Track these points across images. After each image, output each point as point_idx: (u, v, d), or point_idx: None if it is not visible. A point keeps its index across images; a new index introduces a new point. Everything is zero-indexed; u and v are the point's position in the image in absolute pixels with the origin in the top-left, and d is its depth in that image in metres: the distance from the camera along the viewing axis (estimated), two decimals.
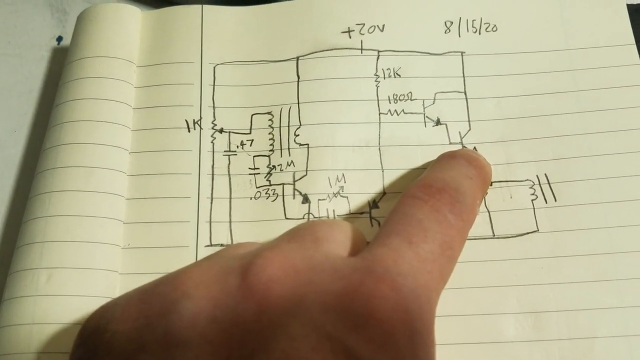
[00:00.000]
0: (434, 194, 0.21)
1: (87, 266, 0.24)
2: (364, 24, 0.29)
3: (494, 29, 0.28)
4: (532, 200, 0.25)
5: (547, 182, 0.25)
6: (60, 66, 0.32)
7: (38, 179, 0.26)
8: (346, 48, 0.28)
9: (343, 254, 0.19)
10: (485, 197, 0.25)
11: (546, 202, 0.25)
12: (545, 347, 0.23)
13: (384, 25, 0.29)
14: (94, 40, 0.29)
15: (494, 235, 0.25)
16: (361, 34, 0.28)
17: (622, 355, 0.22)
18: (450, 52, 0.28)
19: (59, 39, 0.33)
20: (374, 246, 0.19)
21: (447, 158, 0.24)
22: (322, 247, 0.19)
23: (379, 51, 0.28)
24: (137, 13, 0.30)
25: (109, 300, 0.23)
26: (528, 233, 0.25)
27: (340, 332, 0.16)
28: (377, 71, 0.28)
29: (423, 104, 0.27)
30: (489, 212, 0.25)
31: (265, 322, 0.16)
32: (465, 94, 0.27)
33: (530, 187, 0.25)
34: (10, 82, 0.32)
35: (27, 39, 0.33)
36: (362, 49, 0.28)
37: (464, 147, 0.26)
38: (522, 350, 0.23)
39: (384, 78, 0.28)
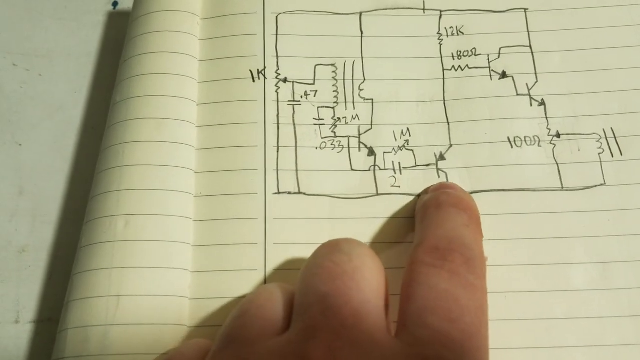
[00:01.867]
0: (445, 257, 0.20)
1: (162, 213, 0.25)
2: None
3: None
4: (599, 153, 0.26)
5: (613, 136, 0.26)
6: (117, 30, 0.32)
7: (110, 132, 0.27)
8: (409, 8, 0.28)
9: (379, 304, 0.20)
10: (554, 150, 0.26)
11: (612, 156, 0.25)
12: (614, 295, 0.23)
13: None
14: None
15: (562, 187, 0.25)
16: None
17: None
18: (514, 9, 0.28)
19: (115, 3, 0.34)
20: (412, 326, 0.19)
21: (434, 209, 0.23)
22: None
23: (441, 11, 0.28)
24: None
25: (183, 245, 0.24)
26: (595, 186, 0.25)
27: None
28: (439, 30, 0.28)
29: (488, 59, 0.27)
30: (557, 164, 0.25)
31: None
32: (530, 47, 0.27)
33: (597, 141, 0.26)
34: (68, 45, 0.32)
35: (83, 3, 0.33)
36: (424, 9, 0.28)
37: (531, 98, 0.26)
38: (591, 298, 0.23)
39: (447, 36, 0.28)
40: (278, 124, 0.27)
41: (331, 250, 0.21)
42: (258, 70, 0.28)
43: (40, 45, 0.32)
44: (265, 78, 0.27)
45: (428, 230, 0.22)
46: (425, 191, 0.25)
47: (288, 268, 0.25)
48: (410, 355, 0.18)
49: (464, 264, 0.20)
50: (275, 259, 0.25)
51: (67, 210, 0.29)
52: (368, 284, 0.20)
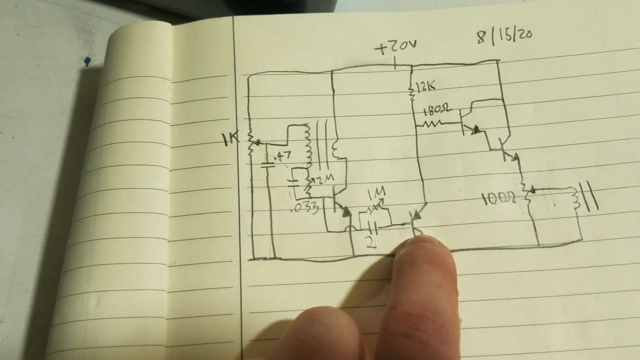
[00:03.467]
0: (417, 326, 0.20)
1: (135, 287, 0.25)
2: (395, 41, 0.29)
3: (529, 34, 0.29)
4: (575, 208, 0.26)
5: (589, 189, 0.26)
6: (90, 87, 0.33)
7: (81, 203, 0.27)
8: (379, 64, 0.29)
9: None
10: (529, 205, 0.26)
11: (589, 210, 0.26)
12: (594, 355, 0.24)
13: (415, 41, 0.29)
14: (127, 61, 0.29)
15: (538, 244, 0.25)
16: (393, 50, 0.29)
17: None
18: (485, 60, 0.29)
19: (87, 60, 0.34)
20: None
21: (408, 266, 0.23)
22: None
23: (412, 66, 0.29)
24: (168, 29, 0.30)
25: (158, 320, 0.24)
26: (572, 242, 0.25)
27: None
28: (411, 85, 0.29)
29: (460, 113, 0.28)
30: (532, 220, 0.26)
31: None
32: (502, 100, 0.28)
33: (573, 195, 0.26)
34: (41, 104, 0.33)
35: (55, 61, 0.34)
36: (395, 65, 0.29)
37: (504, 152, 0.27)
38: (571, 358, 0.23)
39: (419, 91, 0.28)
40: (252, 187, 0.27)
41: (309, 320, 0.21)
42: (230, 133, 0.28)
43: (12, 106, 0.33)
44: (237, 141, 0.28)
45: (401, 294, 0.22)
46: (403, 244, 0.26)
47: (265, 338, 0.25)
48: None
49: (435, 333, 0.20)
50: (252, 329, 0.25)
51: (43, 278, 0.29)
52: (345, 358, 0.20)
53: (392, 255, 0.26)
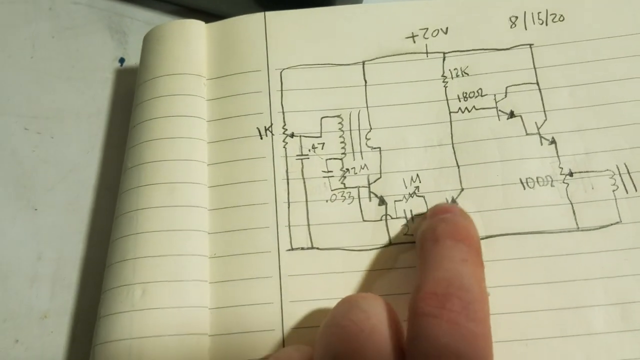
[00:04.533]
0: (443, 304, 0.21)
1: (178, 278, 0.26)
2: (427, 29, 0.30)
3: (561, 18, 0.29)
4: (613, 190, 0.26)
5: (627, 171, 0.26)
6: (125, 87, 0.34)
7: (123, 198, 0.28)
8: (411, 53, 0.29)
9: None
10: (567, 189, 0.26)
11: (627, 192, 0.26)
12: (636, 337, 0.24)
13: (447, 28, 0.30)
14: (163, 59, 0.31)
15: (578, 228, 0.26)
16: (425, 38, 0.30)
17: None
18: (518, 45, 0.29)
19: (122, 60, 0.35)
20: None
21: (430, 245, 0.24)
22: None
23: (444, 53, 0.29)
24: (201, 27, 0.31)
25: (201, 310, 0.25)
26: (611, 224, 0.26)
27: None
28: (444, 72, 0.29)
29: (495, 99, 0.28)
30: (571, 204, 0.26)
31: None
32: (537, 84, 0.28)
33: (611, 177, 0.26)
34: (78, 105, 0.34)
35: (90, 62, 0.35)
36: (427, 53, 0.29)
37: (541, 136, 0.27)
38: (612, 340, 0.24)
39: (452, 78, 0.29)
40: (287, 179, 0.28)
41: (349, 307, 0.22)
42: (265, 127, 0.29)
43: (50, 106, 0.34)
44: (272, 134, 0.29)
45: (426, 273, 0.23)
46: (424, 217, 0.26)
47: (305, 326, 0.26)
48: None
49: (463, 310, 0.21)
50: (292, 318, 0.26)
51: (86, 273, 0.30)
52: (385, 343, 0.21)
53: None
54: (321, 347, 0.21)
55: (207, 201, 0.28)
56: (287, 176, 0.28)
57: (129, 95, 0.32)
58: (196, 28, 0.31)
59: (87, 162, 0.33)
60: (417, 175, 0.28)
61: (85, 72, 0.35)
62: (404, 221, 0.27)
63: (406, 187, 0.28)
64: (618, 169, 0.26)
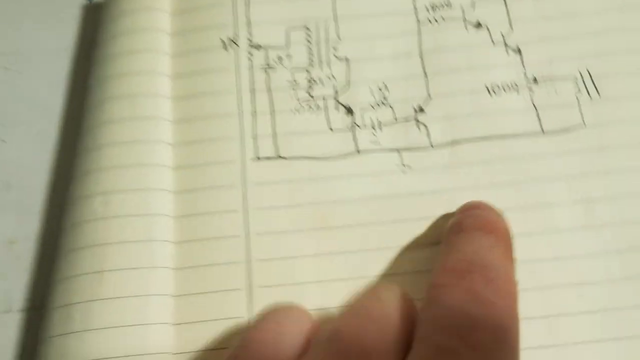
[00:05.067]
0: (462, 277, 0.19)
1: (140, 187, 0.26)
2: None
3: None
4: (576, 95, 0.26)
5: (589, 76, 0.27)
6: (93, 23, 0.33)
7: (85, 131, 0.28)
8: None
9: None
10: (532, 94, 0.27)
11: (590, 97, 0.26)
12: (598, 232, 0.24)
13: None
14: None
15: (542, 131, 0.26)
16: None
17: None
18: None
19: None
20: (419, 347, 0.18)
21: (455, 234, 0.22)
22: None
23: None
24: None
25: (164, 217, 0.25)
26: (575, 128, 0.26)
27: None
28: None
29: (462, 9, 0.28)
30: (536, 108, 0.26)
31: None
32: None
33: (574, 83, 0.27)
34: (46, 42, 0.33)
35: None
36: None
37: (506, 46, 0.27)
38: (577, 236, 0.24)
39: None
40: (253, 90, 0.28)
41: (368, 297, 0.21)
42: (229, 38, 0.29)
43: (18, 42, 0.34)
44: (237, 46, 0.28)
45: (447, 255, 0.21)
46: (451, 215, 0.25)
47: (272, 231, 0.25)
48: None
49: (483, 283, 0.19)
50: (259, 224, 0.26)
51: (52, 202, 0.30)
52: (390, 329, 0.19)
53: (396, 149, 0.26)
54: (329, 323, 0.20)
55: (170, 113, 0.27)
56: (253, 87, 0.28)
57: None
58: None
59: (54, 97, 0.32)
60: (385, 85, 0.28)
61: (54, 9, 0.34)
62: (371, 130, 0.27)
63: (374, 97, 0.27)
64: (581, 75, 0.27)
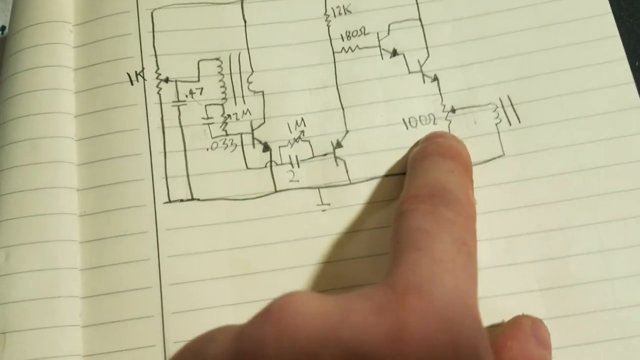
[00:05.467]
0: (423, 201, 0.20)
1: (44, 239, 0.24)
2: None
3: None
4: (496, 124, 0.26)
5: (510, 103, 0.26)
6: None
7: None
8: None
9: None
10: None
11: (510, 125, 0.26)
12: (521, 269, 0.24)
13: None
14: (28, 9, 0.28)
15: None
16: None
17: (598, 270, 0.24)
18: None
19: (2, 28, 0.33)
20: (388, 270, 0.19)
21: (419, 161, 0.23)
22: None
23: None
24: None
25: (71, 270, 0.24)
26: (494, 158, 0.26)
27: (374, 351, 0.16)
28: (326, 11, 0.28)
29: (378, 37, 0.27)
30: None
31: (297, 352, 0.16)
32: (420, 20, 0.28)
33: (494, 111, 0.26)
34: None
35: None
36: None
37: (423, 74, 0.27)
38: (498, 274, 0.24)
39: (335, 16, 0.28)
40: (163, 127, 0.26)
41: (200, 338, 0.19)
42: (136, 72, 0.27)
43: None
44: (144, 80, 0.27)
45: (410, 182, 0.23)
46: (416, 143, 0.26)
47: (185, 281, 0.24)
48: (381, 289, 0.17)
49: (441, 205, 0.20)
50: (171, 273, 0.24)
51: None
52: None
53: (315, 187, 0.26)
54: None
55: (75, 155, 0.26)
56: (163, 124, 0.26)
57: None
58: None
59: None
60: (302, 119, 0.27)
61: None
62: (289, 167, 0.26)
63: (291, 132, 0.27)
64: (501, 102, 0.26)
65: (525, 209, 0.25)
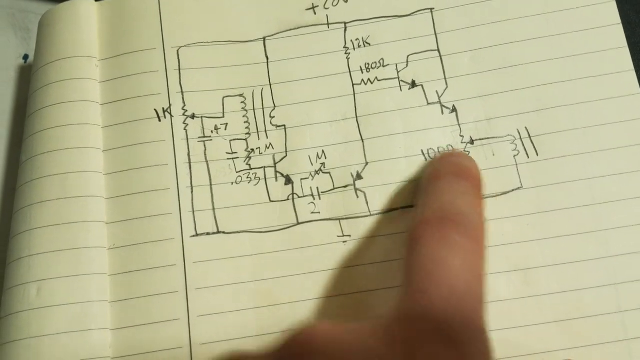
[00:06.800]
0: (436, 227, 0.21)
1: (74, 273, 0.26)
2: None
3: None
4: (514, 155, 0.27)
5: (528, 135, 0.27)
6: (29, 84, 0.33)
7: (19, 193, 0.28)
8: (312, 25, 0.29)
9: None
10: None
11: (528, 157, 0.27)
12: (538, 302, 0.25)
13: None
14: (53, 44, 0.30)
15: None
16: (326, 8, 0.29)
17: (611, 303, 0.25)
18: (419, 10, 0.29)
19: (25, 57, 0.34)
20: (402, 297, 0.20)
21: (433, 181, 0.24)
22: None
23: (345, 23, 0.29)
24: (91, 6, 0.30)
25: (101, 304, 0.25)
26: (512, 190, 0.26)
27: None
28: (346, 43, 0.29)
29: (396, 69, 0.28)
30: None
31: None
32: (438, 51, 0.28)
33: (512, 143, 0.27)
34: None
35: None
36: (328, 24, 0.29)
37: (442, 105, 0.27)
38: (515, 307, 0.25)
39: (354, 49, 0.29)
40: (190, 162, 0.28)
41: None
42: (163, 108, 0.28)
43: None
44: (171, 116, 0.28)
45: (424, 203, 0.23)
46: (430, 163, 0.27)
47: (212, 313, 0.26)
48: (384, 319, 0.18)
49: (454, 229, 0.21)
50: (199, 305, 0.26)
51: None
52: None
53: (336, 218, 0.27)
54: None
55: (104, 190, 0.28)
56: (189, 159, 0.28)
57: None
58: (86, 7, 0.30)
59: None
60: (323, 151, 0.28)
61: None
62: (310, 199, 0.27)
63: (312, 164, 0.28)
64: (519, 134, 0.27)
65: (543, 241, 0.25)
